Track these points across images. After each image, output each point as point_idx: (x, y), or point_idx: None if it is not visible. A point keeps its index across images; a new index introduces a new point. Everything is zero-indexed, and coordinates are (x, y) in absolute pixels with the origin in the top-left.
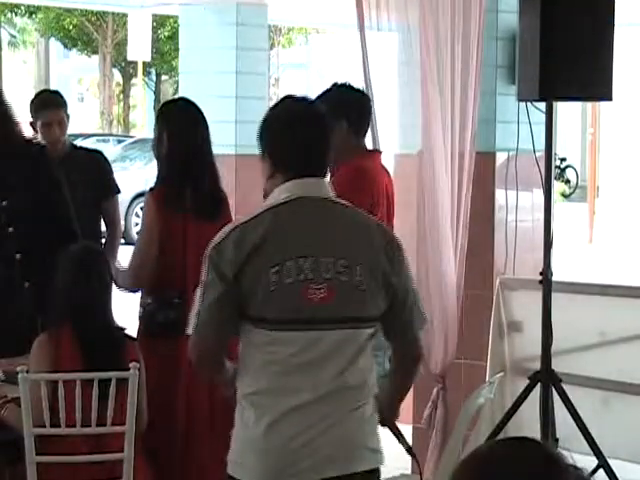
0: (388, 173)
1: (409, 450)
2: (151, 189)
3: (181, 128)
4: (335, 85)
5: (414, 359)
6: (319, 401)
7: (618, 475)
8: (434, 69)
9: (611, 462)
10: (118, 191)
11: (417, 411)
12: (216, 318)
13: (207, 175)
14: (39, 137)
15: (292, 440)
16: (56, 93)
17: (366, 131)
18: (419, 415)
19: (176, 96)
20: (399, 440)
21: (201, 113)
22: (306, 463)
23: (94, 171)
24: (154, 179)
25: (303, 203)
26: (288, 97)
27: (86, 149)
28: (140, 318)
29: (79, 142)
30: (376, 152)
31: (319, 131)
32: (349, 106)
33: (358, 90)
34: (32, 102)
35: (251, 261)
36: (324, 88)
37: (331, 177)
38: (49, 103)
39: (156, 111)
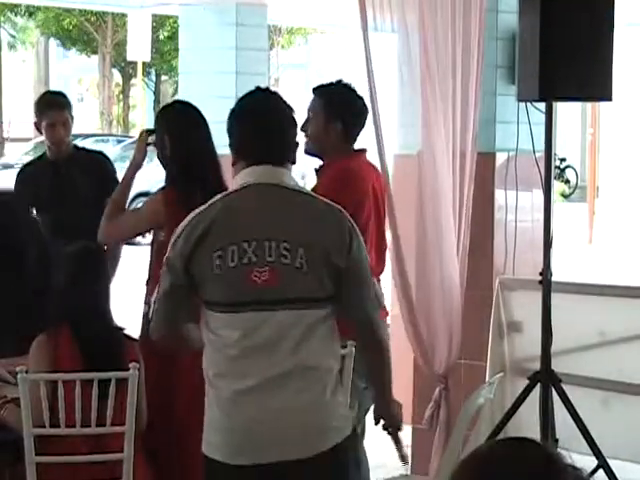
0: (376, 170)
1: (403, 458)
2: (162, 188)
3: (181, 131)
4: (340, 83)
5: (372, 340)
6: (273, 383)
7: (618, 475)
8: (434, 69)
9: (611, 462)
10: None
11: (417, 412)
12: (166, 308)
13: (211, 174)
14: (44, 137)
15: (251, 420)
16: (61, 94)
17: (356, 138)
18: (419, 416)
19: (176, 96)
20: (397, 447)
21: (199, 113)
22: (267, 444)
23: (98, 172)
24: (155, 180)
25: (255, 189)
26: (256, 89)
27: (89, 150)
28: (146, 316)
29: (78, 142)
30: (361, 151)
31: (275, 121)
32: (348, 109)
33: (360, 96)
34: (37, 103)
35: (199, 248)
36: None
37: (318, 176)
38: (54, 104)
39: (155, 117)
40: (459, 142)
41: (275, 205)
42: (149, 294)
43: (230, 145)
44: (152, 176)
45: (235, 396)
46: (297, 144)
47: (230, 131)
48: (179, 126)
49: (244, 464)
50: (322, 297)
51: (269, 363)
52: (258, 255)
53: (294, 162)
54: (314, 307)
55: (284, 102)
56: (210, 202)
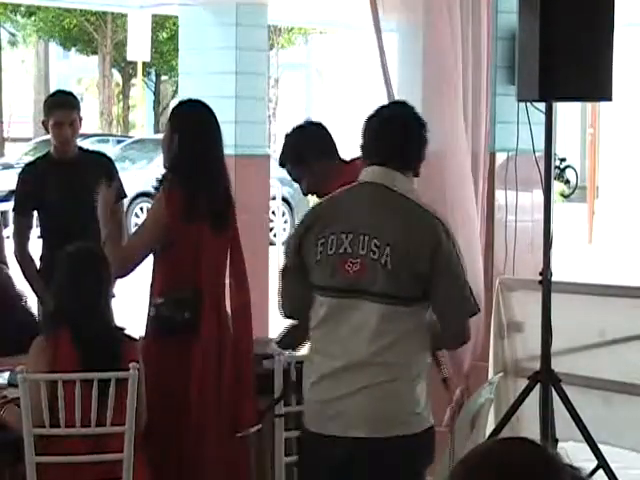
0: None
1: (444, 380)
2: (164, 190)
3: (190, 130)
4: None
5: (452, 342)
6: (351, 368)
7: (618, 475)
8: (445, 68)
9: (610, 461)
10: (124, 195)
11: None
12: (284, 285)
13: (217, 175)
14: (50, 136)
15: (326, 393)
16: (70, 94)
17: (338, 155)
18: (438, 418)
19: (176, 96)
20: (439, 367)
21: (212, 114)
22: (336, 418)
23: (104, 173)
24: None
25: (363, 187)
26: (393, 102)
27: (92, 151)
28: (152, 318)
29: (78, 142)
30: (356, 160)
31: (398, 129)
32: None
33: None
34: (46, 102)
35: (308, 234)
36: (324, 88)
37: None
38: (62, 103)
39: (170, 113)
40: (472, 141)
41: (375, 203)
42: (153, 296)
43: (360, 146)
44: (152, 176)
45: (317, 373)
46: (420, 156)
47: (361, 134)
48: (189, 125)
49: (315, 431)
50: (404, 296)
51: (346, 349)
52: (353, 247)
53: (416, 174)
54: (397, 304)
55: (416, 115)
56: (330, 194)
